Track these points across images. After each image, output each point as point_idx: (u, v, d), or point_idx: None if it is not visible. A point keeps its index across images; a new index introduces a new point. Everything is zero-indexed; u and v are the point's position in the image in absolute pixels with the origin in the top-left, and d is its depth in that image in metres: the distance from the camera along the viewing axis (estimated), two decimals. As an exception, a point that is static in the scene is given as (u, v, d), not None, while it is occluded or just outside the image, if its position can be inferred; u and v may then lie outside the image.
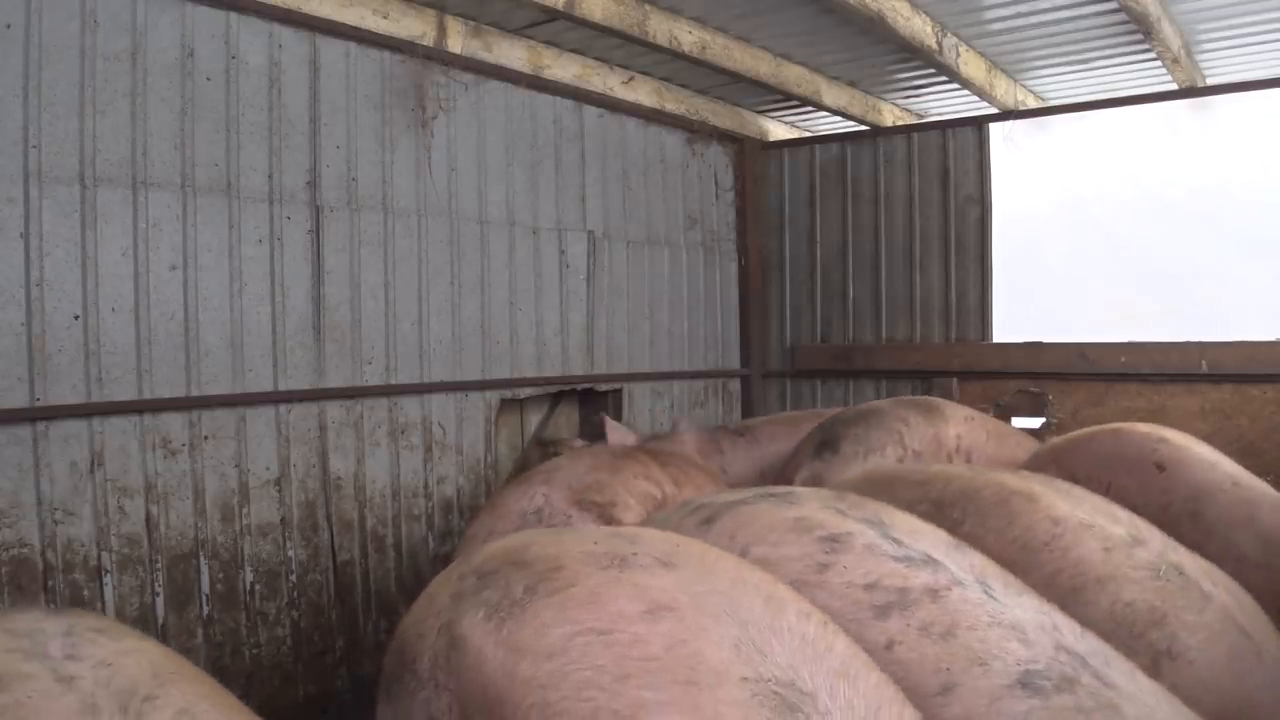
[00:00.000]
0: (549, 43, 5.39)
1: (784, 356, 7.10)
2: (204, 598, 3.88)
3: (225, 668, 3.89)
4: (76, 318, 3.56)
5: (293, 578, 4.21)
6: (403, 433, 4.68)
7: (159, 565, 3.74)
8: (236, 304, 4.04)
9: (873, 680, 1.67)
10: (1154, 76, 5.74)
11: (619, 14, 4.72)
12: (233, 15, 4.02)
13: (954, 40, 5.34)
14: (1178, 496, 3.22)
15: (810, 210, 6.97)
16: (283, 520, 4.18)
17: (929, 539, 2.25)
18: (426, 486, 4.78)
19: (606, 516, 3.42)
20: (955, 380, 6.33)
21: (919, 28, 4.99)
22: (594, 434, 5.52)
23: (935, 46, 5.16)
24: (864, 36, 5.31)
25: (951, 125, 6.45)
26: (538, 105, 5.44)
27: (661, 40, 4.99)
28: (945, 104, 6.66)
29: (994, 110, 6.23)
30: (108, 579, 3.59)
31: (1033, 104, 6.37)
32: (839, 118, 6.79)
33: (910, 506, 2.59)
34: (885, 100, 6.76)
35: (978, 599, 2.03)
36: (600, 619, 1.68)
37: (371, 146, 4.57)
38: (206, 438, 3.93)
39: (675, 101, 6.32)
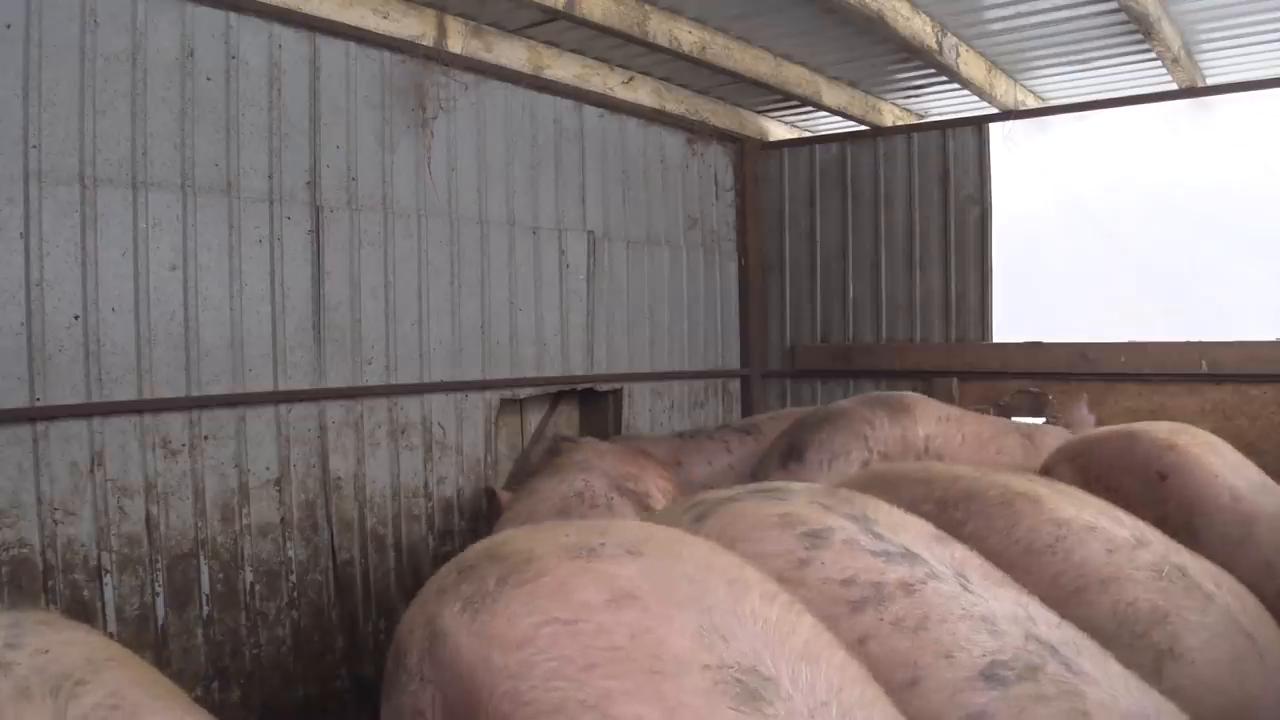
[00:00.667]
0: (549, 43, 5.38)
1: (784, 356, 7.10)
2: (204, 598, 3.87)
3: (225, 668, 3.88)
4: (76, 318, 3.56)
5: (293, 578, 4.20)
6: (403, 433, 4.67)
7: (159, 565, 3.74)
8: (236, 304, 4.04)
9: (836, 661, 1.67)
10: (1154, 76, 5.73)
11: (619, 14, 4.72)
12: (232, 15, 4.01)
13: (954, 40, 5.34)
14: (1173, 508, 3.23)
15: (810, 210, 6.97)
16: (283, 520, 4.17)
17: (911, 532, 2.25)
18: (426, 486, 4.77)
19: (643, 505, 3.56)
20: (955, 380, 6.32)
21: (919, 28, 4.99)
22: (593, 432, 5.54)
23: (935, 46, 5.16)
24: (864, 36, 5.30)
25: (951, 125, 6.45)
26: (538, 105, 5.43)
27: (661, 40, 4.98)
28: (945, 104, 6.66)
29: (994, 110, 6.23)
30: (108, 579, 3.58)
31: (1033, 104, 6.37)
32: (839, 118, 6.79)
33: (914, 506, 2.58)
34: (885, 100, 6.76)
35: (952, 592, 2.04)
36: (566, 609, 1.70)
37: (371, 146, 4.57)
38: (206, 438, 3.92)
39: (675, 101, 6.32)
